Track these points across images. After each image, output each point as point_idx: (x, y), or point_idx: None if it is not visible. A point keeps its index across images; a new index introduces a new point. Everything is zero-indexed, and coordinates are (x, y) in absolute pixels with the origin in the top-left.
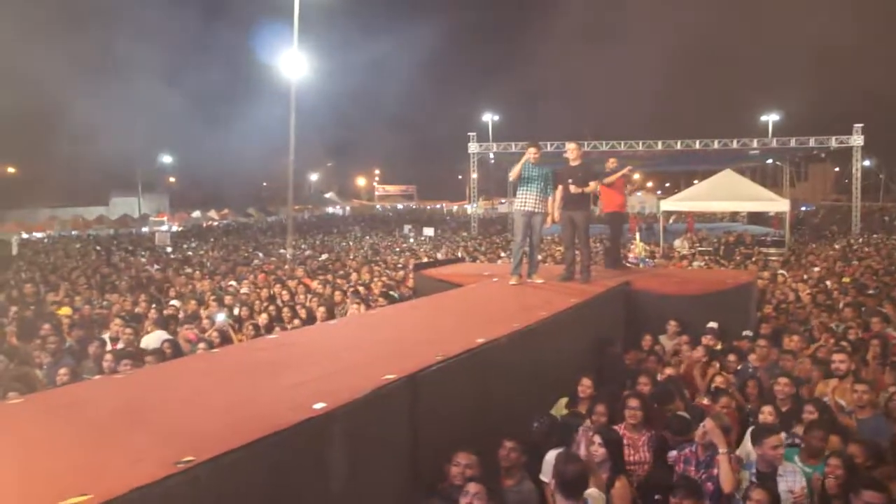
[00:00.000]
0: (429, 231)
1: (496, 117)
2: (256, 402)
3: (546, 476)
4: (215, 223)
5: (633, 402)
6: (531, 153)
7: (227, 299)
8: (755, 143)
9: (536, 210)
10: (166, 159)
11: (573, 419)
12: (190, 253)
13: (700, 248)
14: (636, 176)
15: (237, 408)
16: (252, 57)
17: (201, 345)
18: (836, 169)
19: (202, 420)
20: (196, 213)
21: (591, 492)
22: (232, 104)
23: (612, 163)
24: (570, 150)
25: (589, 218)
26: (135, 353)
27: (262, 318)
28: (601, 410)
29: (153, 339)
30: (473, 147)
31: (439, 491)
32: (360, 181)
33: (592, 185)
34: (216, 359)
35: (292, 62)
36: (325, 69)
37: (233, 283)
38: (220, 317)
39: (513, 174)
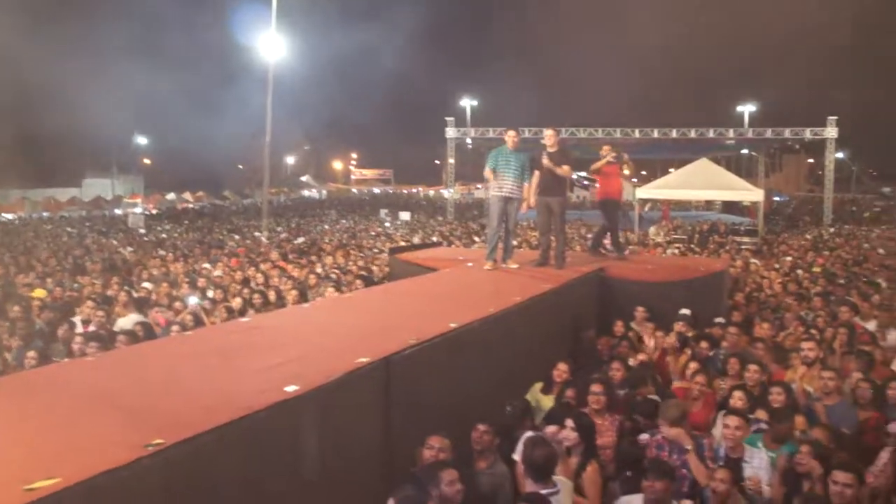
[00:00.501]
0: (405, 215)
1: (474, 102)
2: (228, 385)
3: (518, 455)
4: (190, 205)
5: (596, 388)
6: (510, 137)
7: (201, 282)
8: (731, 133)
9: (512, 195)
10: (141, 140)
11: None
12: (164, 235)
13: (675, 236)
14: (625, 169)
15: (209, 390)
16: (230, 38)
17: (174, 327)
18: (810, 160)
19: (173, 403)
20: (171, 196)
21: (557, 479)
22: (209, 86)
23: (606, 150)
24: (548, 136)
25: (565, 204)
26: (105, 336)
27: (236, 302)
28: (571, 395)
29: (127, 322)
30: (451, 132)
31: (412, 474)
32: (337, 165)
33: (566, 168)
34: (189, 341)
35: (270, 44)
36: (303, 52)
37: (206, 265)
38: (193, 300)
39: (487, 173)
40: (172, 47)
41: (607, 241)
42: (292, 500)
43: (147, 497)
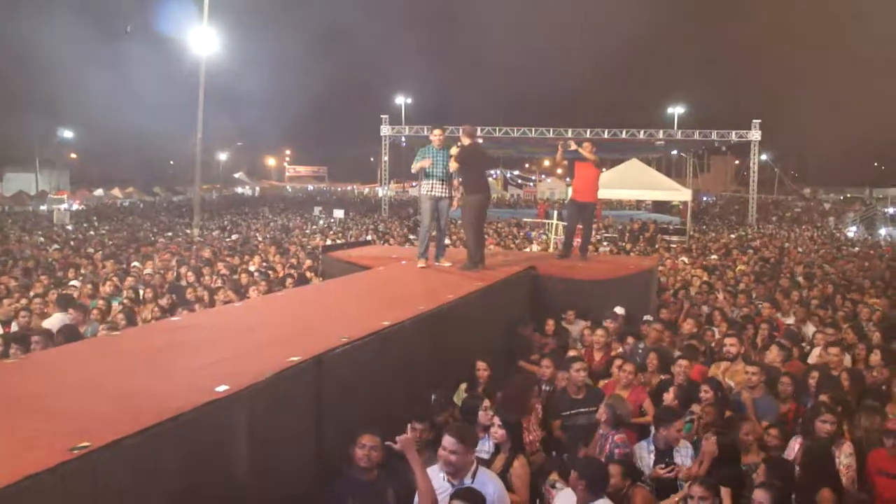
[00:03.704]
0: (339, 213)
1: (409, 100)
2: (157, 386)
3: None
4: (119, 202)
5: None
6: (436, 136)
7: (130, 280)
8: (661, 135)
9: (443, 194)
10: (67, 134)
11: (472, 401)
12: (91, 232)
13: (606, 235)
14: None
15: (137, 392)
16: (161, 31)
17: (102, 327)
18: (737, 162)
19: (100, 405)
20: (98, 192)
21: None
22: (139, 79)
23: (587, 146)
24: (461, 134)
25: (482, 202)
26: (26, 337)
27: (166, 300)
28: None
29: (54, 321)
30: (385, 129)
31: (345, 473)
32: (271, 161)
33: (453, 164)
34: (117, 342)
35: (202, 38)
36: (237, 47)
37: (136, 263)
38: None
39: (415, 167)
40: (100, 39)
41: (577, 240)
42: (223, 501)
43: (73, 502)
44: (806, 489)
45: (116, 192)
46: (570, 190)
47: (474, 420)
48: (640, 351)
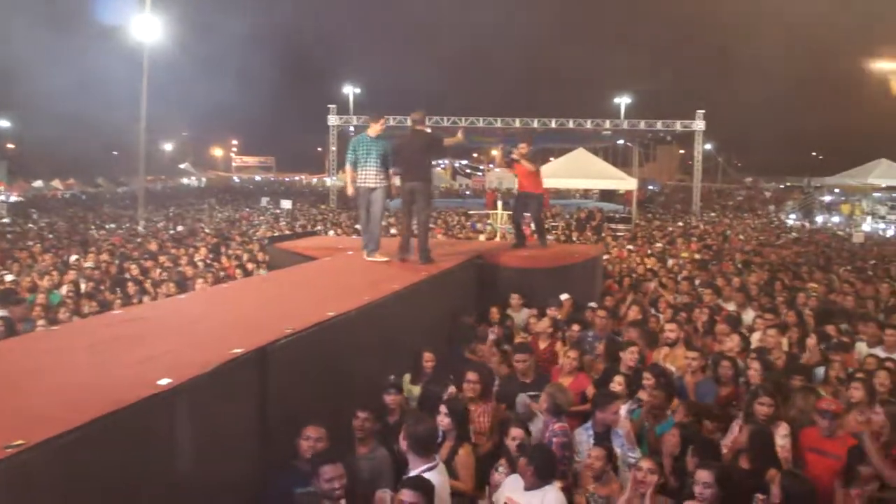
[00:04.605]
0: (286, 203)
1: (357, 90)
2: (97, 380)
3: None
4: (60, 193)
5: (472, 376)
6: (373, 126)
7: (71, 274)
8: (607, 124)
9: (377, 185)
10: (3, 124)
11: (434, 387)
12: (30, 225)
13: (553, 224)
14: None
15: (77, 386)
16: (104, 18)
17: (40, 322)
18: (682, 151)
19: (37, 401)
20: (38, 183)
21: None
22: (80, 67)
23: (523, 148)
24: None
25: (429, 190)
26: None
27: (108, 293)
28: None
29: None
30: (333, 119)
31: (292, 465)
32: (217, 152)
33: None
34: (55, 336)
35: (145, 25)
36: (181, 34)
37: (75, 256)
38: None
39: (348, 170)
40: (39, 26)
41: (527, 229)
42: (166, 496)
43: (7, 500)
44: (755, 471)
45: (57, 183)
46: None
47: (435, 408)
48: (588, 339)
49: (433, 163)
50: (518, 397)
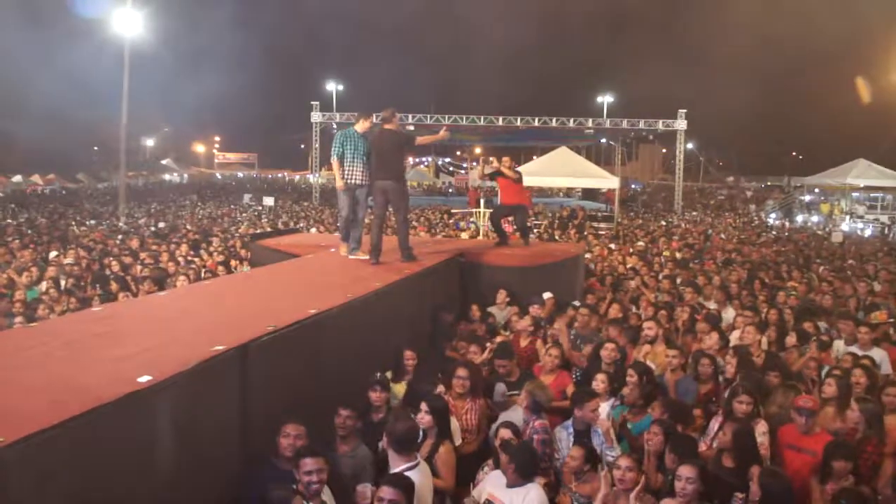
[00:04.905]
0: (269, 200)
1: (340, 86)
2: (77, 377)
3: None
4: (40, 189)
5: (461, 372)
6: (361, 123)
7: (51, 270)
8: (590, 123)
9: (364, 182)
10: None
11: (422, 386)
12: (9, 220)
13: (535, 222)
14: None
15: (56, 384)
16: (83, 11)
17: (18, 319)
18: (664, 150)
19: (15, 398)
20: (17, 178)
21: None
22: (60, 61)
23: (505, 162)
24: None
25: (404, 188)
26: None
27: (89, 290)
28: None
29: None
30: (316, 116)
31: (272, 463)
32: (200, 148)
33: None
34: (34, 333)
35: (126, 19)
36: (164, 29)
37: (55, 252)
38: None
39: (335, 163)
40: (18, 20)
41: (508, 228)
42: (146, 494)
43: None
44: (738, 469)
45: (37, 178)
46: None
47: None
48: (571, 337)
49: (420, 160)
50: (497, 386)
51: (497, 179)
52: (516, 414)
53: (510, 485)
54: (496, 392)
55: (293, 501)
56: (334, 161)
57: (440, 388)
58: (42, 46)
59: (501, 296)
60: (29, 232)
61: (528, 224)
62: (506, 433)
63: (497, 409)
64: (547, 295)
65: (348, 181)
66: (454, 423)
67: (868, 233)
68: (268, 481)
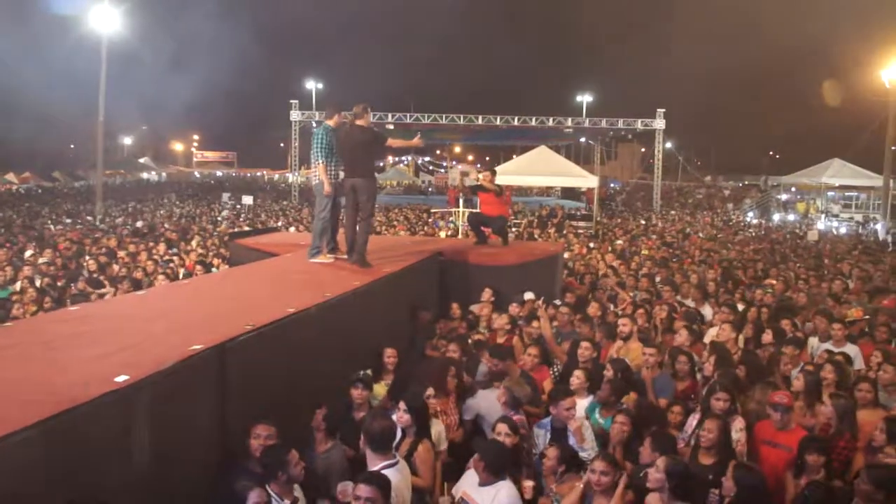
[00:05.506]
0: (248, 199)
1: (319, 85)
2: (53, 377)
3: None
4: (15, 187)
5: (454, 372)
6: (335, 120)
7: (26, 270)
8: (570, 122)
9: (339, 180)
10: None
11: (415, 387)
12: None
13: (515, 221)
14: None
15: (30, 383)
16: (60, 7)
17: None
18: (643, 149)
19: None
20: None
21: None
22: (36, 58)
23: (486, 177)
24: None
25: (372, 187)
26: None
27: (65, 289)
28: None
29: None
30: (295, 115)
31: (243, 466)
32: (178, 146)
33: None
34: (9, 332)
35: (103, 16)
36: (141, 26)
37: (30, 252)
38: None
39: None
40: None
41: (486, 229)
42: (123, 494)
43: None
44: (718, 465)
45: (11, 177)
46: (480, 176)
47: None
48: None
49: (399, 159)
50: (480, 367)
51: (478, 193)
52: (494, 394)
53: (482, 483)
54: (479, 372)
55: (255, 490)
56: (321, 163)
57: (430, 391)
58: (17, 43)
59: (487, 294)
60: (2, 231)
61: (508, 223)
62: (503, 428)
63: (478, 386)
64: (529, 295)
65: (334, 180)
66: (439, 427)
67: (843, 231)
68: (237, 482)
